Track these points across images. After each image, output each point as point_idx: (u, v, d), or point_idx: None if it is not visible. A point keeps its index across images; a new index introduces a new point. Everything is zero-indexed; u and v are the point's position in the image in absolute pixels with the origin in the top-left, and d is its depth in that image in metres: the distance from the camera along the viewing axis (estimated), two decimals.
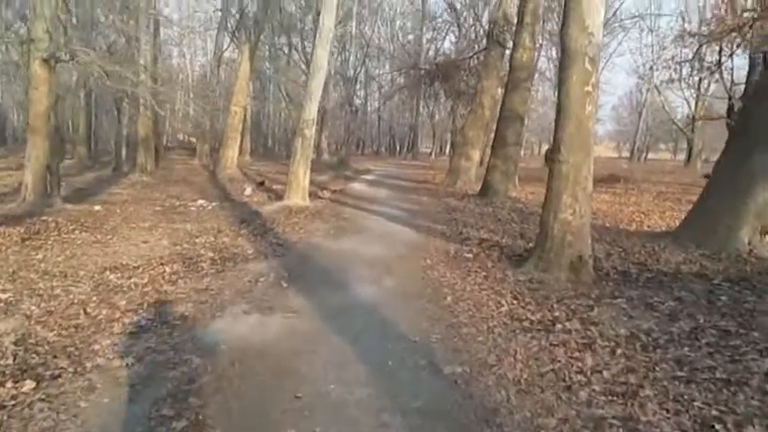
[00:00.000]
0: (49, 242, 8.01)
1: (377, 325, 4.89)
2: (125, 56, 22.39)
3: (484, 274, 6.73)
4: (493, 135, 17.58)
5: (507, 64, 21.35)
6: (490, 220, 11.40)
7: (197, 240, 8.67)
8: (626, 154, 76.13)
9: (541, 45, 28.56)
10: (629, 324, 4.78)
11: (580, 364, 3.98)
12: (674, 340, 4.38)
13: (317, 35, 13.02)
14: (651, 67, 36.93)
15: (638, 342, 4.34)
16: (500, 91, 20.80)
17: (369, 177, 24.31)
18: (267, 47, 42.14)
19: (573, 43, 6.26)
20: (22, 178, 11.27)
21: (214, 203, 13.41)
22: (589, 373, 3.82)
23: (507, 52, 20.45)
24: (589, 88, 6.26)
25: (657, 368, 3.86)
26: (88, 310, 5.04)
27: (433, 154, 52.93)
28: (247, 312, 5.14)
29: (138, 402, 3.40)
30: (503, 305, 5.41)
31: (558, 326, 4.75)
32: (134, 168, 22.19)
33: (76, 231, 8.92)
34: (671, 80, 33.01)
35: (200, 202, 13.61)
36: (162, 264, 7.01)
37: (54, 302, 5.22)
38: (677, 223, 10.97)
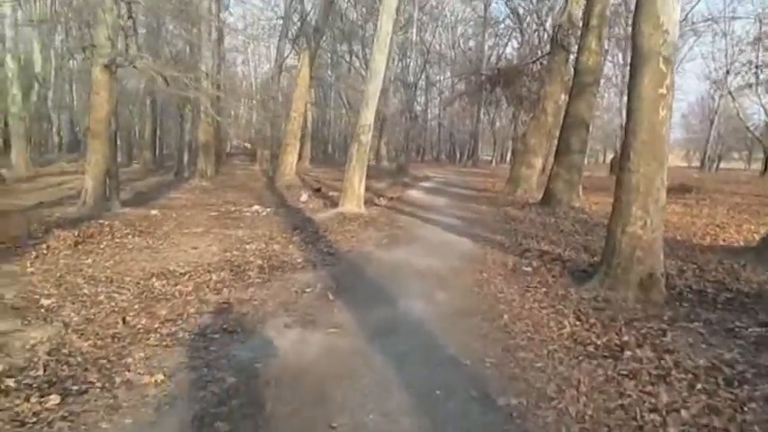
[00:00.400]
0: (101, 246, 8.02)
1: (425, 345, 4.52)
2: (188, 63, 22.93)
3: (544, 290, 6.26)
4: (556, 142, 16.97)
5: (572, 69, 20.75)
6: (552, 231, 10.84)
7: (247, 247, 8.52)
8: (696, 163, 72.98)
9: (607, 50, 27.55)
10: (708, 353, 4.25)
11: (653, 399, 3.50)
12: (764, 375, 3.84)
13: (376, 39, 12.77)
14: (727, 71, 35.16)
15: (721, 375, 3.81)
16: (563, 97, 20.15)
17: (427, 185, 23.92)
18: (329, 54, 42.53)
19: (646, 42, 5.75)
20: (83, 182, 11.47)
21: (269, 209, 13.33)
22: (664, 411, 3.34)
23: (572, 57, 19.84)
24: (663, 90, 5.72)
25: (746, 408, 3.35)
26: (128, 318, 4.89)
27: (494, 161, 52.07)
28: (289, 326, 4.87)
29: (160, 426, 3.16)
30: (565, 326, 4.94)
31: (628, 353, 4.25)
32: (195, 173, 22.61)
33: (129, 236, 8.93)
34: (748, 85, 31.43)
35: (256, 207, 13.57)
36: (209, 271, 6.86)
37: (95, 309, 5.10)
38: (756, 238, 10.20)
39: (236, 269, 7.03)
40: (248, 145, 47.02)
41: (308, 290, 6.09)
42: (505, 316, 5.26)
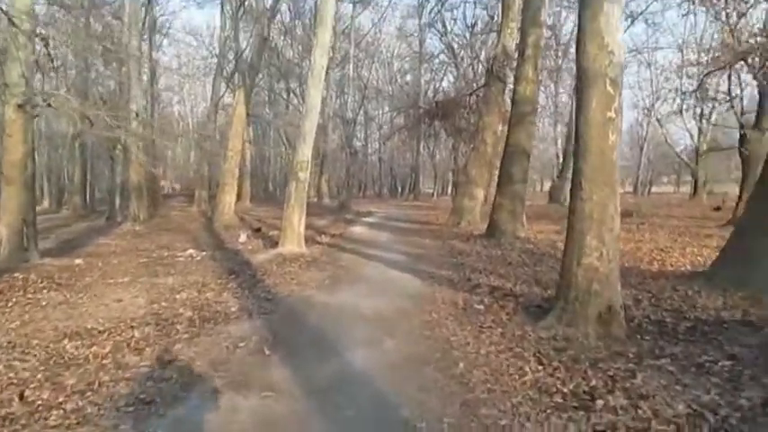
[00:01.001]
0: (10, 304, 7.15)
1: (374, 406, 3.98)
2: (117, 103, 22.01)
3: (500, 330, 5.81)
4: (497, 172, 16.91)
5: (508, 99, 20.93)
6: (500, 263, 10.51)
7: (177, 297, 7.79)
8: (629, 188, 75.58)
9: (540, 80, 28.13)
10: (685, 396, 3.87)
11: None
12: (748, 419, 3.48)
13: (310, 74, 12.37)
14: (658, 98, 36.44)
15: (706, 425, 3.41)
16: (502, 127, 20.27)
17: (370, 220, 23.50)
18: (266, 92, 42.22)
19: (591, 63, 5.50)
20: None
21: (204, 253, 12.58)
22: None
23: (508, 88, 20.04)
24: (611, 114, 5.47)
25: None
26: (27, 392, 4.16)
27: (435, 194, 52.31)
28: (218, 391, 4.24)
29: None
30: (526, 372, 4.50)
31: (599, 401, 3.82)
32: (127, 217, 21.54)
33: (45, 290, 8.06)
34: (674, 112, 32.59)
35: (190, 251, 12.79)
36: (132, 327, 6.14)
37: None
38: (701, 261, 10.17)
39: (163, 323, 6.33)
40: (177, 186, 45.65)
41: (241, 344, 5.45)
42: (461, 364, 4.77)
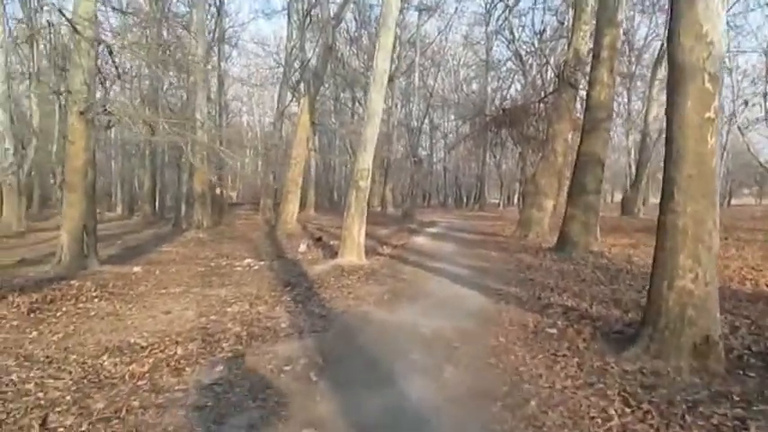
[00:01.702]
0: (59, 314, 6.98)
1: None
2: (184, 113, 22.34)
3: (576, 359, 5.13)
4: (568, 182, 16.05)
5: (579, 106, 19.96)
6: (572, 280, 9.73)
7: (228, 310, 7.47)
8: None
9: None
10: None
11: None
12: None
13: (372, 79, 11.96)
14: (741, 104, 34.43)
15: None
16: (573, 135, 19.37)
17: (434, 230, 22.88)
18: (332, 101, 42.37)
19: (687, 57, 4.79)
20: (59, 239, 10.56)
21: (262, 263, 12.33)
22: None
23: (581, 93, 19.13)
24: (711, 114, 4.74)
25: None
26: (51, 417, 3.83)
27: (501, 204, 51.15)
28: (253, 426, 3.79)
29: None
30: (611, 416, 3.82)
31: None
32: (192, 225, 21.75)
33: (96, 299, 7.89)
34: (759, 119, 30.56)
35: (248, 261, 12.57)
36: (176, 342, 5.80)
37: (15, 404, 4.03)
38: None
39: (209, 339, 5.98)
40: (245, 195, 46.28)
41: (287, 368, 4.99)
42: (533, 402, 4.13)
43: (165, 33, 22.09)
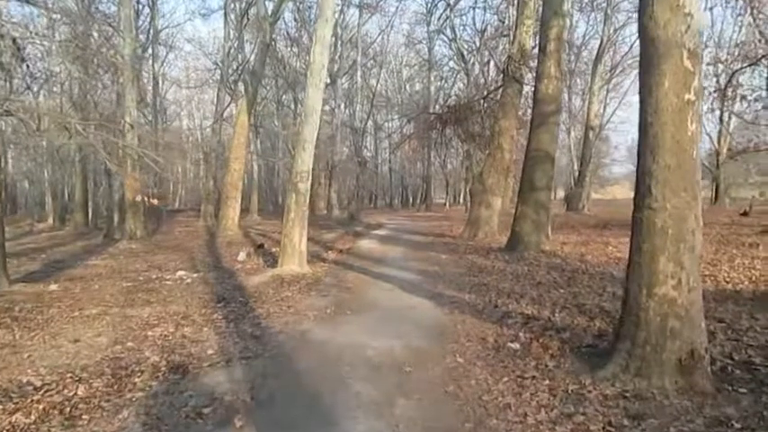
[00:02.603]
0: None
1: None
2: (114, 116, 20.95)
3: (548, 382, 4.43)
4: (515, 180, 15.61)
5: (526, 101, 19.66)
6: (528, 283, 9.12)
7: (149, 334, 6.51)
8: None
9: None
10: None
11: None
12: None
13: (309, 73, 11.12)
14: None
15: None
16: (519, 131, 19.04)
17: (380, 233, 22.16)
18: (274, 104, 41.31)
19: (661, 31, 4.16)
20: None
21: (196, 275, 11.33)
22: None
23: (526, 88, 18.85)
24: (690, 96, 4.14)
25: None
26: None
27: (447, 204, 50.96)
28: None
29: None
30: None
31: None
32: (125, 235, 20.40)
33: None
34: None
35: (180, 273, 11.53)
36: (79, 380, 4.85)
37: None
38: (757, 275, 8.80)
39: (120, 373, 5.04)
40: (163, 200, 44.53)
41: (206, 410, 4.11)
42: None
43: (95, 35, 20.70)
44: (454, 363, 5.11)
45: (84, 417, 4.07)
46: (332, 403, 4.23)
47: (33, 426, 3.91)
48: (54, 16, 18.26)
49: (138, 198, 20.53)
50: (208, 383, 4.76)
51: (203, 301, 8.52)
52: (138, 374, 5.02)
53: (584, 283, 8.82)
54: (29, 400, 4.38)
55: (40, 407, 4.24)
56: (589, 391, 4.20)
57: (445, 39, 38.33)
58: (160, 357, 5.52)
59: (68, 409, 4.21)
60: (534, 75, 14.88)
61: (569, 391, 4.23)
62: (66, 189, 34.35)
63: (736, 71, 19.86)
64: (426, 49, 43.33)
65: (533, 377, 4.57)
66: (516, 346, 5.50)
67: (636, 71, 38.29)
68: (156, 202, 18.69)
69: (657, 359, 4.23)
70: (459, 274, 10.55)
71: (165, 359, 5.47)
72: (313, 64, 10.92)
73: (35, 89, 18.44)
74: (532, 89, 15.18)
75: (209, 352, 5.71)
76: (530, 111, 20.65)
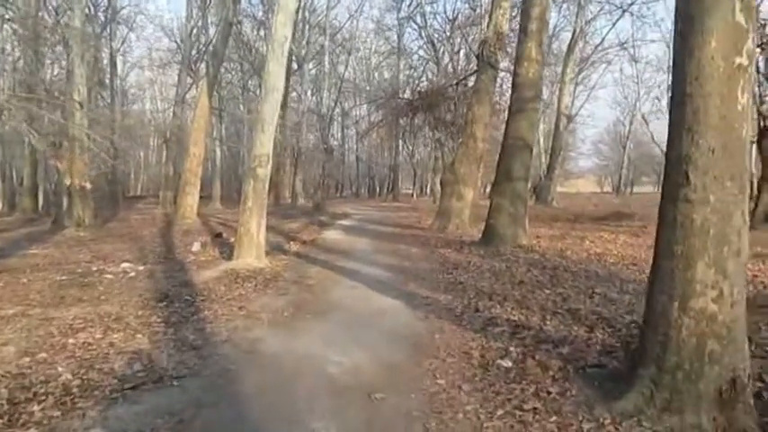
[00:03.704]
0: None
1: None
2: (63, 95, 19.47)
3: (554, 418, 3.50)
4: (483, 170, 14.80)
5: (500, 88, 18.88)
6: (509, 282, 8.24)
7: (69, 341, 5.42)
8: (608, 189, 74.52)
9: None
10: None
11: None
12: None
13: (269, 48, 10.05)
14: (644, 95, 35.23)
15: None
16: (493, 119, 18.26)
17: (346, 223, 21.17)
18: (240, 89, 40.12)
19: None
20: None
21: (142, 267, 10.20)
22: None
23: (500, 75, 18.09)
24: (743, 60, 3.26)
25: None
26: None
27: (415, 195, 50.21)
28: None
29: None
30: None
31: None
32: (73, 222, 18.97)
33: None
34: (660, 109, 30.93)
35: (124, 265, 10.36)
36: None
37: None
38: (751, 275, 8.14)
39: (18, 398, 3.98)
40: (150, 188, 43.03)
41: None
42: None
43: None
44: (435, 386, 4.17)
45: None
46: None
47: None
48: None
49: (87, 183, 19.05)
50: (127, 412, 3.75)
51: (143, 299, 7.43)
52: (41, 400, 3.97)
53: (570, 283, 8.01)
54: None
55: None
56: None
57: (415, 27, 37.58)
58: (74, 375, 4.47)
59: None
60: (511, 61, 14.07)
61: (582, 430, 3.34)
62: (14, 172, 32.43)
63: None
64: (396, 37, 42.49)
65: (535, 410, 3.63)
66: (508, 363, 4.57)
67: (603, 65, 38.08)
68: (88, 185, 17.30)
69: (692, 390, 3.37)
70: (431, 271, 9.66)
71: (81, 377, 4.42)
72: (275, 35, 9.82)
73: None
74: (509, 75, 14.39)
75: (137, 367, 4.67)
76: (503, 98, 19.91)
